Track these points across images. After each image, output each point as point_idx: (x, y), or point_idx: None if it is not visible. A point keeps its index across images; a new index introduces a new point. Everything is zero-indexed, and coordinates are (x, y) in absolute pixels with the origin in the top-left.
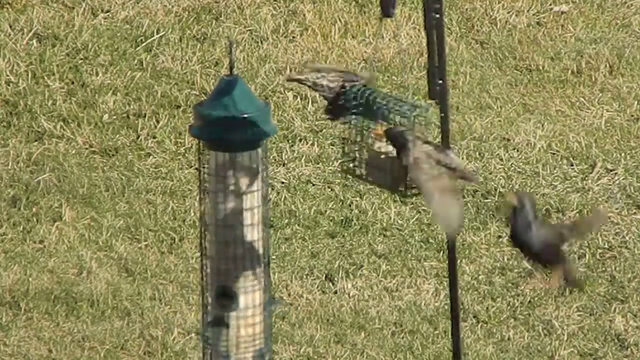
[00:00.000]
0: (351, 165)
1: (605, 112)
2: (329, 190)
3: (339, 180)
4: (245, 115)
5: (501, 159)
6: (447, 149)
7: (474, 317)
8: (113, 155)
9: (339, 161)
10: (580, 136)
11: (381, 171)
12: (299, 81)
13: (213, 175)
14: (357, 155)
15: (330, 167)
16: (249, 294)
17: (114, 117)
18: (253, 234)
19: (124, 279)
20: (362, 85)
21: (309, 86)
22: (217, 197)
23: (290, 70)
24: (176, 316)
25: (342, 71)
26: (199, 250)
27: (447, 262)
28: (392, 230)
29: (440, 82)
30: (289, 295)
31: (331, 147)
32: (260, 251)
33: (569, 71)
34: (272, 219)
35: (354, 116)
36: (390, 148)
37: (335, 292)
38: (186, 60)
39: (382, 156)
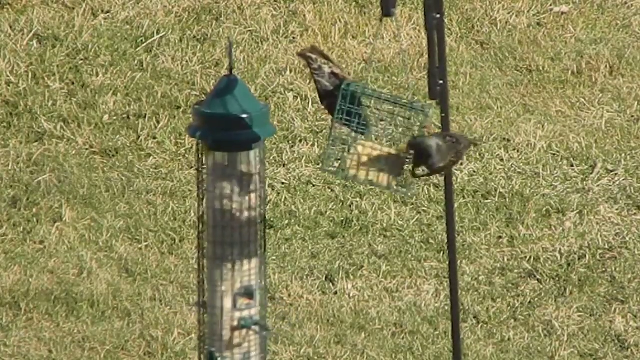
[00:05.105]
0: (336, 164)
1: (605, 112)
2: (329, 190)
3: (339, 181)
4: (244, 116)
5: (501, 160)
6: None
7: (474, 317)
8: (113, 155)
9: (322, 161)
10: (581, 137)
11: (374, 169)
12: (308, 59)
13: (212, 175)
14: (344, 154)
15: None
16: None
17: (114, 117)
18: (251, 234)
19: (124, 279)
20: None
21: (313, 68)
22: (216, 198)
23: (291, 71)
24: (176, 317)
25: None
26: (198, 250)
27: (447, 262)
28: (392, 230)
29: (441, 82)
30: (289, 295)
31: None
32: (259, 252)
33: (569, 72)
34: (272, 219)
35: (343, 114)
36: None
37: (336, 293)
38: (186, 61)
39: (376, 154)
